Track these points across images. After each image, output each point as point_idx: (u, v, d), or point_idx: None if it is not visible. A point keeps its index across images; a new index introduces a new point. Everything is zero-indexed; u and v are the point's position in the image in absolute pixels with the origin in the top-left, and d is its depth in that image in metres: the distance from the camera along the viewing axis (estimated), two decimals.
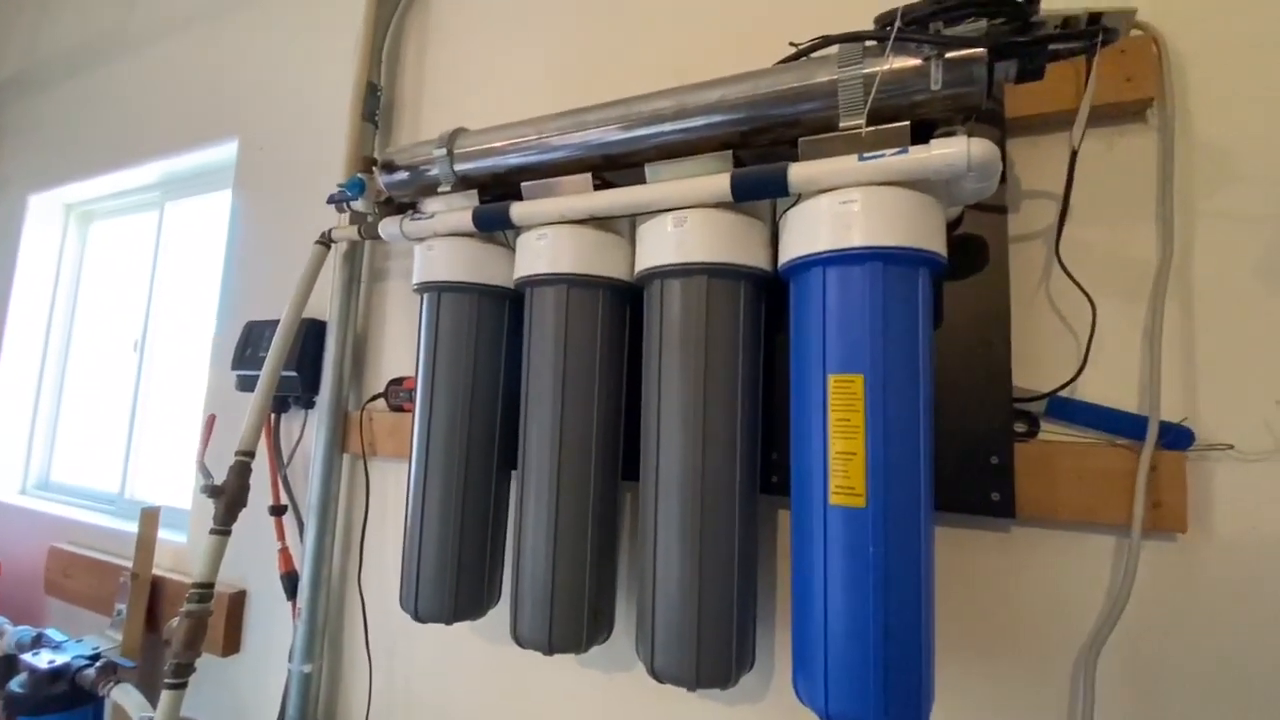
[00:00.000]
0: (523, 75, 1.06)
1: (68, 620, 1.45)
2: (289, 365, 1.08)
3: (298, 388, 1.12)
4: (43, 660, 1.16)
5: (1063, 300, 0.66)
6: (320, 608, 1.05)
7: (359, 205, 0.95)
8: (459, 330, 0.83)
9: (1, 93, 2.05)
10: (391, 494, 1.07)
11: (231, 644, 1.22)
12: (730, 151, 0.67)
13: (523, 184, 0.78)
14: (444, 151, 0.81)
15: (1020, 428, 0.65)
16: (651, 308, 0.71)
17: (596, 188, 0.73)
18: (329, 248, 1.04)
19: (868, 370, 0.56)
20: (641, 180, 0.71)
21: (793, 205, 0.63)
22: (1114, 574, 0.62)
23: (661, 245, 0.69)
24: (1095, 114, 0.62)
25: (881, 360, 0.55)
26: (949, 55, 0.55)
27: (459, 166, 0.82)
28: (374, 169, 0.90)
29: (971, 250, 0.66)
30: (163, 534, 1.32)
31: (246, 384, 1.17)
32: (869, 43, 0.58)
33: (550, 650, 0.73)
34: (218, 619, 1.18)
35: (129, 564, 1.29)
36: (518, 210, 0.76)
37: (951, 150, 0.54)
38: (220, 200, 1.48)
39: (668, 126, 0.68)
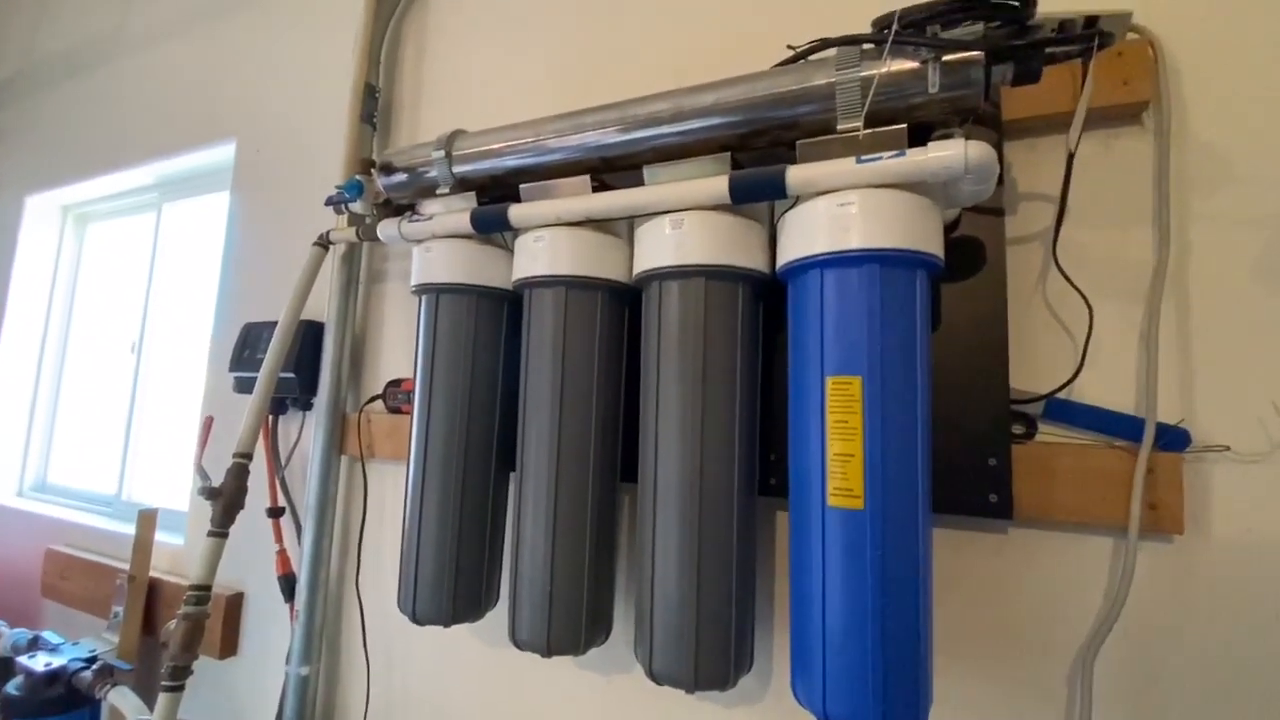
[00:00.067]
0: (521, 77, 1.06)
1: (64, 623, 1.44)
2: (287, 367, 1.08)
3: (296, 389, 1.12)
4: (39, 663, 1.16)
5: (1060, 302, 0.67)
6: (318, 610, 1.05)
7: (357, 207, 0.95)
8: (457, 332, 0.83)
9: None
10: (390, 496, 1.07)
11: (229, 646, 1.21)
12: (728, 154, 0.67)
13: (521, 186, 0.78)
14: (442, 153, 0.81)
15: (1018, 429, 0.65)
16: (650, 309, 0.71)
17: (595, 190, 0.74)
18: (327, 249, 1.04)
19: (866, 372, 0.56)
20: (640, 182, 0.71)
21: (790, 207, 0.63)
22: (1111, 575, 0.62)
23: (660, 247, 0.69)
24: (1092, 117, 0.62)
25: (879, 362, 0.55)
26: (946, 58, 0.55)
27: (457, 168, 0.82)
28: (372, 171, 0.90)
29: (969, 252, 0.67)
30: (160, 536, 1.32)
31: (244, 385, 1.16)
32: (866, 46, 0.58)
33: (548, 652, 0.73)
34: (215, 621, 1.18)
35: (126, 566, 1.28)
36: (516, 212, 0.76)
37: (949, 153, 0.54)
38: (218, 202, 1.48)
39: (666, 129, 0.68)
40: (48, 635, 1.27)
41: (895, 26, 0.55)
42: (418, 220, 0.85)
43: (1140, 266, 0.64)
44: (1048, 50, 0.55)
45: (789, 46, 0.65)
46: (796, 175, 0.60)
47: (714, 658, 0.64)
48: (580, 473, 0.74)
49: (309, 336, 1.12)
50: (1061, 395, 0.64)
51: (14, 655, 1.22)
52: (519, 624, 0.75)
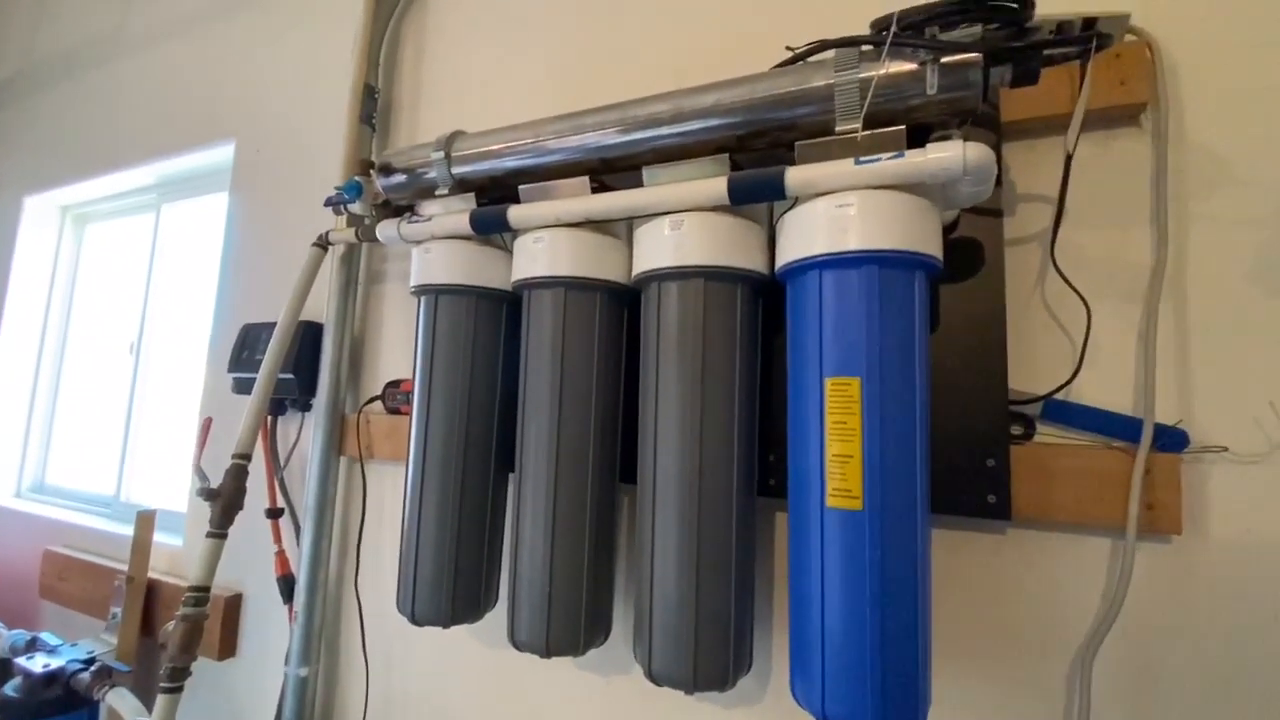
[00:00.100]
0: (521, 78, 1.06)
1: (62, 624, 1.44)
2: (286, 368, 1.08)
3: (295, 390, 1.12)
4: (37, 664, 1.16)
5: (1058, 303, 0.67)
6: (317, 611, 1.05)
7: (356, 208, 0.95)
8: (456, 333, 0.83)
9: None
10: (389, 497, 1.07)
11: (228, 647, 1.21)
12: (727, 155, 0.67)
13: (520, 187, 0.78)
14: (441, 154, 0.81)
15: (1016, 430, 0.66)
16: (649, 310, 0.71)
17: (594, 191, 0.74)
18: (326, 250, 1.04)
19: (864, 373, 0.56)
20: (639, 183, 0.71)
21: (789, 209, 0.63)
22: (1110, 576, 0.62)
23: (659, 248, 0.69)
24: (1090, 118, 0.62)
25: (878, 363, 0.56)
26: (945, 60, 0.55)
27: (456, 169, 0.82)
28: (371, 172, 0.90)
29: (967, 253, 0.67)
30: (158, 537, 1.31)
31: (243, 386, 1.16)
32: (865, 47, 0.59)
33: (547, 653, 0.73)
34: (214, 622, 1.17)
35: (124, 567, 1.28)
36: (515, 213, 0.76)
37: (947, 154, 0.54)
38: (217, 202, 1.48)
39: (665, 130, 0.68)
40: (46, 636, 1.26)
41: (894, 28, 0.55)
42: (417, 221, 0.85)
43: (1138, 267, 0.64)
44: (1046, 52, 0.55)
45: (788, 48, 0.65)
46: (795, 176, 0.60)
47: (713, 658, 0.64)
48: (579, 473, 0.74)
49: (308, 337, 1.12)
50: (1060, 396, 0.65)
51: (12, 656, 1.21)
52: (518, 625, 0.75)
